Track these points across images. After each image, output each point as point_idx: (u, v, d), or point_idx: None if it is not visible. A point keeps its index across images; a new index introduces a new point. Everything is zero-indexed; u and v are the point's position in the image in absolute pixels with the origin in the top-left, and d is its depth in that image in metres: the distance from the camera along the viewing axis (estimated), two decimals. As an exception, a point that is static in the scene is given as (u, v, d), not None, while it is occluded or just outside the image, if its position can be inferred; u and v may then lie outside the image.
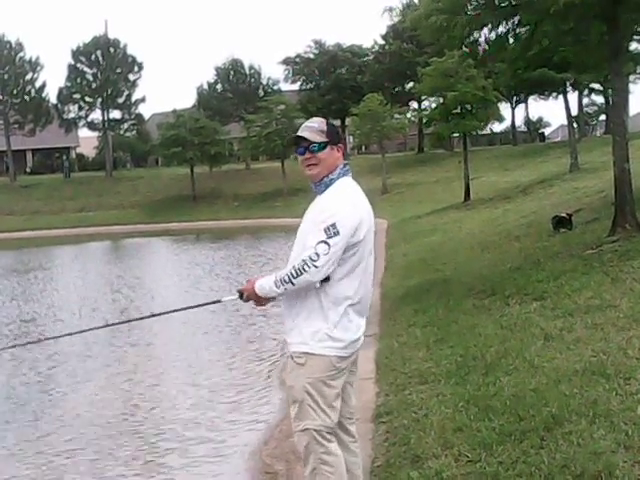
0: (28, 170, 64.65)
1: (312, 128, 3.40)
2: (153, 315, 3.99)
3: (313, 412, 3.29)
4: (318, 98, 57.92)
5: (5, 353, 9.61)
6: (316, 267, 3.14)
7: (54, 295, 16.77)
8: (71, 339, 9.69)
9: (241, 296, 3.41)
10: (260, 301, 3.38)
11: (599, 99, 58.56)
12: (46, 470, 5.74)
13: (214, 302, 3.69)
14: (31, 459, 5.98)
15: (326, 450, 3.30)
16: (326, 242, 3.16)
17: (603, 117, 62.17)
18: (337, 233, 3.17)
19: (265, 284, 3.28)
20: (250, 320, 11.47)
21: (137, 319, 4.15)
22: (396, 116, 44.59)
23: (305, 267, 3.15)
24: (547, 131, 74.34)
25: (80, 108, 59.17)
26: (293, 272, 3.18)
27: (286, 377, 3.49)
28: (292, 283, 3.19)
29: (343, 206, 3.25)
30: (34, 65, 59.12)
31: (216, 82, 62.75)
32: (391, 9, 55.38)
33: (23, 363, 9.47)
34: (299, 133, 3.41)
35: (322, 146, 3.37)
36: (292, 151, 44.02)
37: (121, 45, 60.00)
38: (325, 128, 3.40)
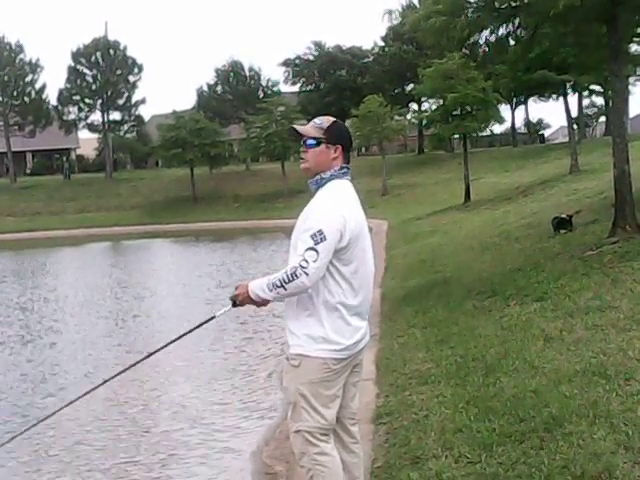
0: (28, 171, 64.69)
1: (314, 123, 3.42)
2: (150, 354, 3.93)
3: (306, 414, 3.29)
4: (318, 100, 57.90)
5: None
6: (306, 274, 3.13)
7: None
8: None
9: (234, 304, 3.37)
10: (257, 304, 3.34)
11: (599, 100, 58.79)
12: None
13: (208, 320, 3.58)
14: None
15: (319, 450, 3.29)
16: (314, 249, 3.14)
17: (603, 119, 62.20)
18: (324, 239, 3.15)
19: (257, 287, 3.25)
20: (249, 320, 11.46)
21: (135, 364, 3.97)
22: (396, 118, 44.68)
23: (296, 273, 3.14)
24: (547, 132, 74.38)
25: (80, 109, 59.22)
26: (285, 277, 3.16)
27: (282, 378, 3.49)
28: (284, 288, 3.17)
29: (327, 212, 3.23)
30: (34, 67, 59.11)
31: (216, 84, 62.79)
32: (390, 12, 55.45)
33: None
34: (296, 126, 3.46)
35: (315, 142, 3.37)
36: (293, 152, 44.16)
37: (121, 47, 60.08)
38: (326, 126, 3.39)
